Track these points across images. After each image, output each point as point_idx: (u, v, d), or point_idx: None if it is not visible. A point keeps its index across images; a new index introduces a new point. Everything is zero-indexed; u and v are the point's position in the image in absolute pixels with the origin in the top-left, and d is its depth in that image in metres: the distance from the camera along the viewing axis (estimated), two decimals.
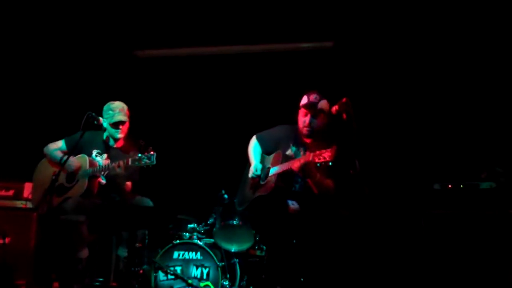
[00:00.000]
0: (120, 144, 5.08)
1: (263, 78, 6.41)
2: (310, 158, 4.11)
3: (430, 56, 5.87)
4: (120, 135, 4.98)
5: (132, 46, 6.70)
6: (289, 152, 4.62)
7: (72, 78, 6.63)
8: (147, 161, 4.50)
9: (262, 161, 4.79)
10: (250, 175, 4.71)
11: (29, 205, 5.38)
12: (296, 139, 4.63)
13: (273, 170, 4.55)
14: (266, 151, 4.84)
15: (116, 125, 4.92)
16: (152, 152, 4.51)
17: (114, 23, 6.38)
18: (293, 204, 4.56)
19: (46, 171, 4.98)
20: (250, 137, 5.02)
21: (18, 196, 5.52)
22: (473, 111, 5.67)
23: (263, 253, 5.13)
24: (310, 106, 4.49)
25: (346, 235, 4.57)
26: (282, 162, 4.52)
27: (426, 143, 5.72)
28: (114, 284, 4.56)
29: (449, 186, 5.00)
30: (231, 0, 5.96)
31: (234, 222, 5.01)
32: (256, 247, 5.16)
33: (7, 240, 5.30)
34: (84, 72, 6.62)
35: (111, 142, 5.05)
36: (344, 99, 4.30)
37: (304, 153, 4.40)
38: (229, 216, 5.06)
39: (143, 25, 6.42)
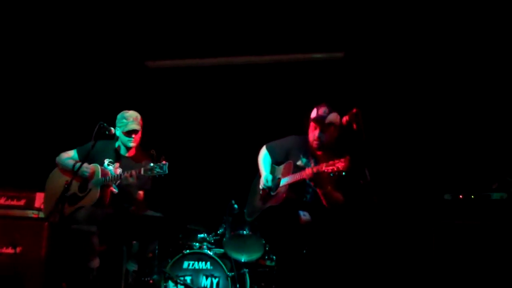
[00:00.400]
0: (131, 153, 5.08)
1: (274, 88, 6.43)
2: (324, 168, 4.10)
3: (440, 68, 5.87)
4: (132, 144, 4.98)
5: (143, 57, 6.74)
6: (299, 163, 4.59)
7: (84, 88, 6.67)
8: (159, 170, 4.50)
9: (273, 171, 4.77)
10: (260, 186, 4.67)
11: (41, 215, 5.40)
12: (307, 150, 4.61)
13: (284, 181, 4.53)
14: (276, 162, 4.81)
15: (129, 133, 4.94)
16: (164, 162, 4.50)
17: (125, 34, 6.43)
18: (304, 216, 4.52)
19: (58, 180, 4.99)
20: (260, 147, 5.03)
21: (30, 205, 5.53)
22: (485, 122, 5.65)
23: (273, 263, 5.13)
24: (319, 120, 4.47)
25: (357, 246, 4.55)
26: (293, 173, 4.50)
27: (437, 153, 5.71)
28: None
29: (460, 196, 4.97)
30: (242, 11, 5.98)
31: (244, 232, 5.02)
32: (266, 257, 5.16)
33: (18, 249, 5.33)
34: (96, 83, 6.66)
35: (123, 151, 5.07)
36: (354, 110, 4.33)
37: (315, 165, 4.38)
38: (239, 226, 5.07)
39: (154, 36, 6.46)
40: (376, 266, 5.10)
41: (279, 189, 4.58)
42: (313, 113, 4.55)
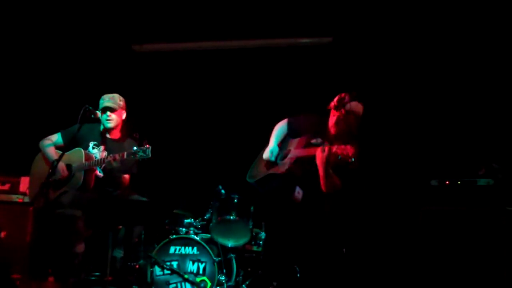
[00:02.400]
0: (116, 136, 5.07)
1: (261, 73, 6.40)
2: (334, 149, 4.23)
3: (428, 52, 5.86)
4: (110, 124, 4.97)
5: (130, 41, 6.67)
6: (314, 141, 4.66)
7: (69, 72, 6.60)
8: (142, 154, 4.50)
9: (285, 144, 4.87)
10: (264, 156, 4.85)
11: (26, 199, 5.37)
12: (323, 131, 4.65)
13: (293, 153, 4.67)
14: (292, 135, 4.90)
15: (104, 110, 4.92)
16: (147, 146, 4.50)
17: (112, 18, 6.35)
18: (298, 193, 4.77)
19: (42, 165, 4.97)
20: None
21: (14, 190, 5.51)
22: (471, 107, 5.66)
23: (260, 249, 5.13)
24: (338, 107, 4.52)
25: (342, 230, 4.59)
26: (304, 148, 4.63)
27: (424, 139, 5.71)
28: (110, 278, 4.53)
29: (447, 182, 4.99)
30: None
31: (231, 217, 4.99)
32: (253, 243, 5.16)
33: (2, 234, 5.29)
34: (82, 66, 6.60)
35: (108, 133, 5.05)
36: (342, 94, 4.40)
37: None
38: (226, 211, 5.04)
39: (141, 20, 6.40)
40: (362, 252, 5.12)
41: (286, 160, 4.73)
42: (335, 100, 4.59)
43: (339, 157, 4.21)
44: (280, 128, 4.97)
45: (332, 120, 4.58)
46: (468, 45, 5.71)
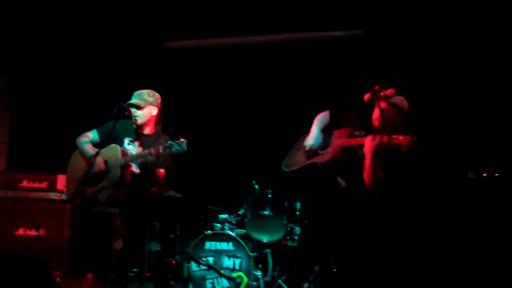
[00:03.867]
0: (150, 131, 5.09)
1: (293, 67, 6.37)
2: (386, 138, 4.20)
3: (462, 43, 5.75)
4: (137, 121, 4.99)
5: (161, 38, 6.71)
6: (357, 133, 4.62)
7: (102, 70, 6.68)
8: (178, 148, 4.49)
9: (329, 134, 4.80)
10: (307, 143, 4.76)
11: (63, 197, 5.44)
12: (366, 126, 4.61)
13: (339, 142, 4.62)
14: (333, 127, 4.84)
15: (131, 107, 4.95)
16: (182, 140, 4.50)
17: (143, 15, 6.40)
18: (342, 182, 4.67)
19: (79, 162, 5.00)
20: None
21: (52, 188, 5.56)
22: (510, 97, 5.54)
23: (295, 244, 5.12)
24: (383, 99, 4.44)
25: (380, 222, 4.53)
26: (349, 138, 4.58)
27: (461, 130, 5.62)
28: (147, 274, 4.57)
29: (484, 175, 4.90)
30: None
31: (266, 212, 5.00)
32: (288, 238, 5.15)
33: (41, 231, 5.38)
34: (114, 64, 6.66)
35: (141, 129, 5.07)
36: (376, 87, 4.34)
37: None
38: (260, 206, 5.05)
39: (172, 17, 6.43)
40: (397, 245, 5.07)
41: (328, 149, 4.67)
42: (383, 92, 4.52)
43: (391, 144, 4.16)
44: (322, 117, 4.89)
45: (376, 112, 4.52)
46: (506, 35, 5.59)
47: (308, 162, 4.74)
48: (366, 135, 4.50)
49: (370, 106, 4.56)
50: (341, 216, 4.57)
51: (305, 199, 5.08)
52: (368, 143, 4.33)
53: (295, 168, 4.82)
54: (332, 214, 4.66)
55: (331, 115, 4.88)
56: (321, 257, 5.01)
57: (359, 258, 4.48)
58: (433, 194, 5.35)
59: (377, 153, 4.29)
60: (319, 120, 4.87)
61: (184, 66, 6.71)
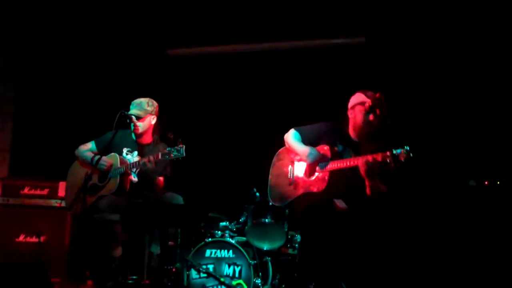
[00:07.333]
0: (148, 140, 5.08)
1: (294, 75, 6.38)
2: (380, 158, 3.95)
3: (464, 50, 5.74)
4: (136, 131, 4.97)
5: (163, 45, 6.73)
6: (336, 149, 4.37)
7: (105, 77, 6.69)
8: (177, 153, 4.46)
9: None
10: (307, 158, 4.36)
11: (64, 204, 5.43)
12: (342, 137, 4.41)
13: (324, 166, 4.31)
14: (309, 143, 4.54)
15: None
16: (181, 145, 4.48)
17: (146, 22, 6.42)
18: (340, 203, 4.27)
19: (78, 172, 5.02)
20: (280, 134, 4.93)
21: (53, 195, 5.59)
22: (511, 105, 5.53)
23: (295, 252, 5.09)
24: (376, 103, 4.25)
25: (383, 233, 4.42)
26: (333, 159, 4.30)
27: (462, 138, 5.60)
28: (147, 282, 4.57)
29: (486, 182, 4.87)
30: None
31: (266, 220, 4.98)
32: (288, 246, 5.13)
33: (42, 238, 5.38)
34: (116, 72, 6.68)
35: (138, 139, 5.07)
36: (377, 94, 4.27)
37: (356, 154, 4.20)
38: (261, 214, 5.03)
39: (175, 25, 6.45)
40: (401, 255, 5.03)
41: (318, 176, 4.36)
42: (361, 97, 4.36)
43: (388, 161, 3.89)
44: (293, 135, 4.61)
45: (365, 118, 4.28)
46: (507, 44, 5.58)
47: (300, 193, 4.47)
48: (344, 147, 4.34)
49: (343, 116, 4.41)
50: (345, 240, 4.21)
51: (304, 231, 4.63)
52: (363, 167, 4.05)
53: (287, 201, 4.59)
54: (334, 240, 4.23)
55: (298, 131, 4.61)
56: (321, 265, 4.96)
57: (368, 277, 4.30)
58: (436, 203, 5.31)
59: (374, 171, 4.06)
60: (292, 139, 4.59)
61: (186, 73, 6.73)
